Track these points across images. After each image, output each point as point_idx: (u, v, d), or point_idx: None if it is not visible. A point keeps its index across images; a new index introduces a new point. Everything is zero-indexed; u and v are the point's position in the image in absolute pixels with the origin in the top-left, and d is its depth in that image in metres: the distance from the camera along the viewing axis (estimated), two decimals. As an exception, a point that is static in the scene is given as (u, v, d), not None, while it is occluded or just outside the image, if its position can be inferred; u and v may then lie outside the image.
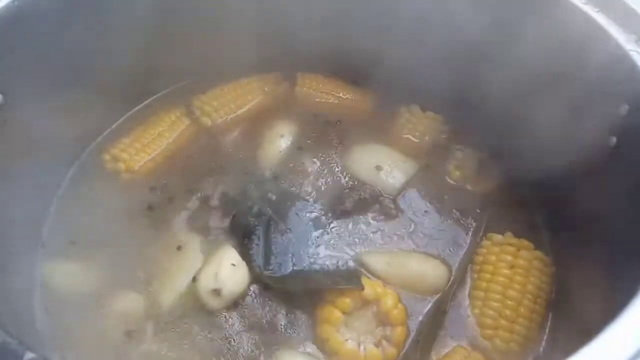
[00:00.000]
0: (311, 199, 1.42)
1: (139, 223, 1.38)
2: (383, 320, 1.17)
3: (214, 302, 1.22)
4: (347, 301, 1.16)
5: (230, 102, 1.62)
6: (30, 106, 1.19)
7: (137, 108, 1.59)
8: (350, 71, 1.62)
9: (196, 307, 1.23)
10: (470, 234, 1.38)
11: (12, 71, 1.16)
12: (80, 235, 1.35)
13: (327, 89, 1.65)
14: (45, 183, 1.40)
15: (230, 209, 1.39)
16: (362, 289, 1.16)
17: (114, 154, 1.49)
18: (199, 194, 1.43)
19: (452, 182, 1.47)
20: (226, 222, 1.37)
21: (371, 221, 1.39)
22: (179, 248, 1.32)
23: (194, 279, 1.24)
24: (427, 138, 1.54)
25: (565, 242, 1.31)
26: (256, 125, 1.59)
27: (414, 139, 1.55)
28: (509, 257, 1.25)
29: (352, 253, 1.33)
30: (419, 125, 1.55)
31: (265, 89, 1.66)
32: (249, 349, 1.19)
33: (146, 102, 1.60)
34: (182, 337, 1.20)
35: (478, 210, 1.42)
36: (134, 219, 1.39)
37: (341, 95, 1.64)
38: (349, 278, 1.21)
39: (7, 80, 1.16)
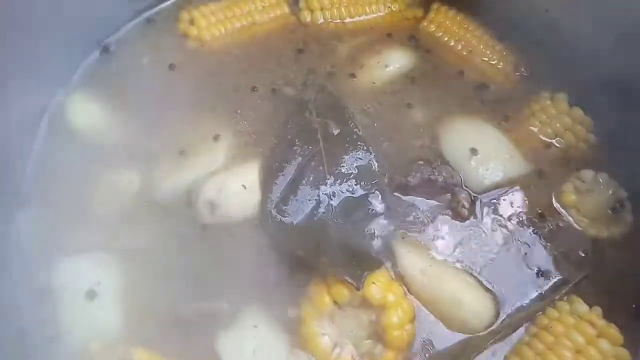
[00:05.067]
0: (375, 154, 1.12)
1: (188, 98, 1.21)
2: (378, 334, 0.90)
3: (203, 214, 1.04)
4: (344, 292, 0.89)
5: (344, 5, 1.35)
6: None
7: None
8: (501, 22, 1.31)
9: (187, 211, 1.06)
10: (550, 283, 1.01)
11: None
12: (121, 84, 1.23)
13: (462, 34, 1.32)
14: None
15: (283, 123, 1.16)
16: (358, 289, 0.88)
17: (194, 16, 1.30)
18: (258, 93, 1.22)
19: (559, 207, 1.11)
20: (271, 135, 1.15)
21: (431, 211, 1.08)
22: (215, 138, 1.14)
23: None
24: (558, 140, 1.18)
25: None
26: (360, 41, 1.32)
27: (540, 136, 1.19)
28: (581, 340, 0.93)
29: (386, 234, 1.04)
30: (555, 120, 1.19)
31: (392, 6, 1.38)
32: (214, 288, 0.99)
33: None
34: (158, 231, 1.04)
35: (576, 258, 1.05)
36: (184, 92, 1.21)
37: (474, 46, 1.30)
38: (355, 268, 0.92)
39: None
